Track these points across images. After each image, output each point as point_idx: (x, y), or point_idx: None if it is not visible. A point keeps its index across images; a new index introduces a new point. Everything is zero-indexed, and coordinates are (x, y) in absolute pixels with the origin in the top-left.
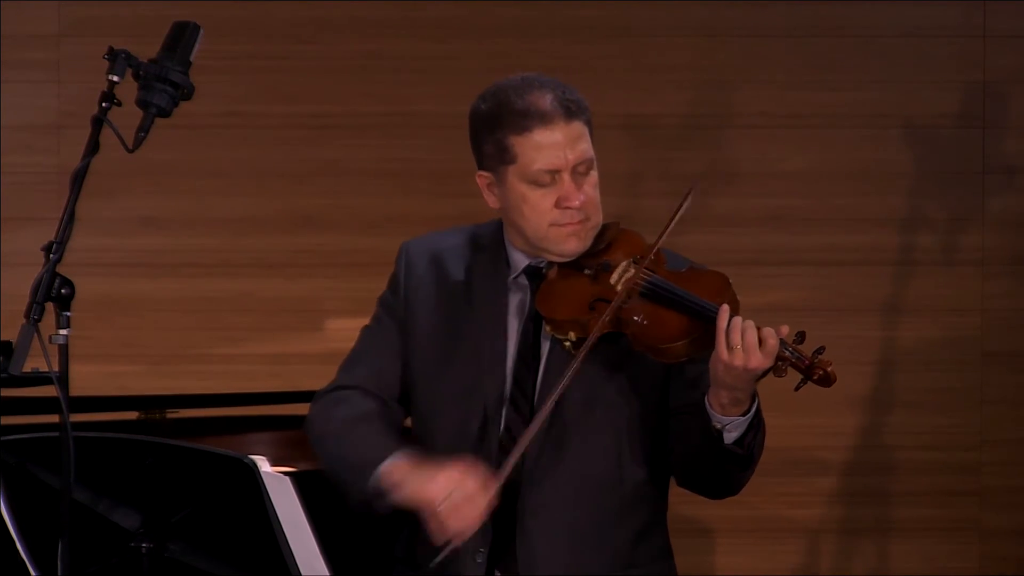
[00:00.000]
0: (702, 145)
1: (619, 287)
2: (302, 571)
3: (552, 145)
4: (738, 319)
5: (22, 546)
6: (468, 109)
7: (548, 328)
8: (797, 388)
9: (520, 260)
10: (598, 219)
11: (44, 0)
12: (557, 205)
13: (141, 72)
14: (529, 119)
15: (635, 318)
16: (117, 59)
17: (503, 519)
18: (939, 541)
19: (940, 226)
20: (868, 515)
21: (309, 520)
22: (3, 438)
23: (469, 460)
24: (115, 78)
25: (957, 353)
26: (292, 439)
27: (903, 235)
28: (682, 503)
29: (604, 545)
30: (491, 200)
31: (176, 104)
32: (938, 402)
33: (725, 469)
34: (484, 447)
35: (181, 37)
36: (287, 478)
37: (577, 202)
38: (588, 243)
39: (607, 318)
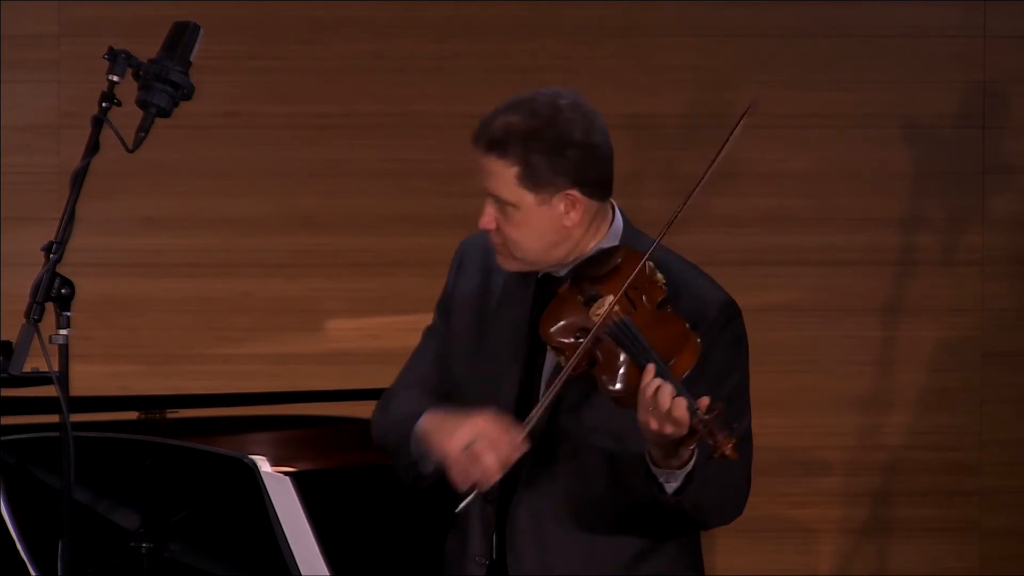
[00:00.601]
0: (702, 145)
1: (597, 321)
2: (302, 571)
3: (475, 167)
4: (656, 380)
5: (22, 546)
6: (468, 109)
7: (557, 362)
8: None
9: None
10: (526, 255)
11: (44, 0)
12: None
13: (141, 72)
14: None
15: (600, 358)
16: (117, 59)
17: (499, 530)
18: (939, 541)
19: (940, 226)
20: (868, 515)
21: (309, 520)
22: (3, 438)
23: (493, 411)
24: (115, 78)
25: (957, 353)
26: (292, 439)
27: (903, 235)
28: None
29: (597, 562)
30: None
31: (176, 104)
32: (938, 402)
33: (670, 521)
34: None
35: (181, 37)
36: (287, 478)
37: (481, 225)
38: (517, 267)
39: (579, 353)
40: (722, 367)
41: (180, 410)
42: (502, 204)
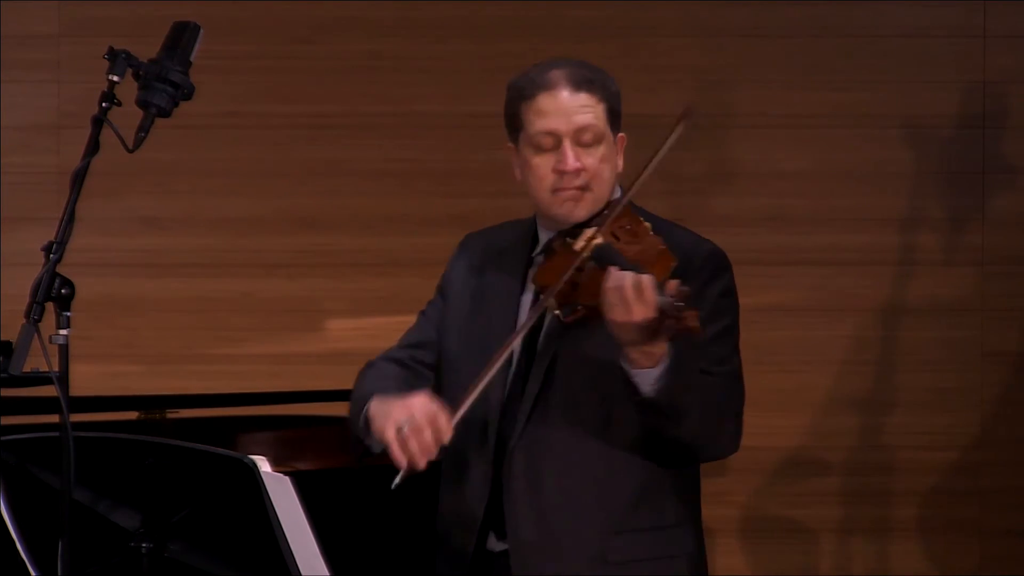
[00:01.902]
0: (702, 145)
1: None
2: (302, 571)
3: (553, 110)
4: (619, 274)
5: (22, 546)
6: (468, 109)
7: (542, 298)
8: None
9: (544, 237)
10: (601, 192)
11: (44, 0)
12: (555, 170)
13: (141, 72)
14: (536, 87)
15: (583, 282)
16: (117, 59)
17: (495, 487)
18: (939, 541)
19: (940, 226)
20: (868, 515)
21: (309, 520)
22: (3, 438)
23: (426, 393)
24: (115, 78)
25: (957, 353)
26: (292, 439)
27: (903, 235)
28: None
29: (592, 512)
30: (516, 172)
31: (176, 104)
32: (938, 402)
33: (655, 426)
34: (491, 409)
35: (181, 37)
36: (287, 478)
37: (571, 167)
38: (587, 211)
39: (563, 279)
40: (708, 312)
41: (180, 410)
42: (592, 139)
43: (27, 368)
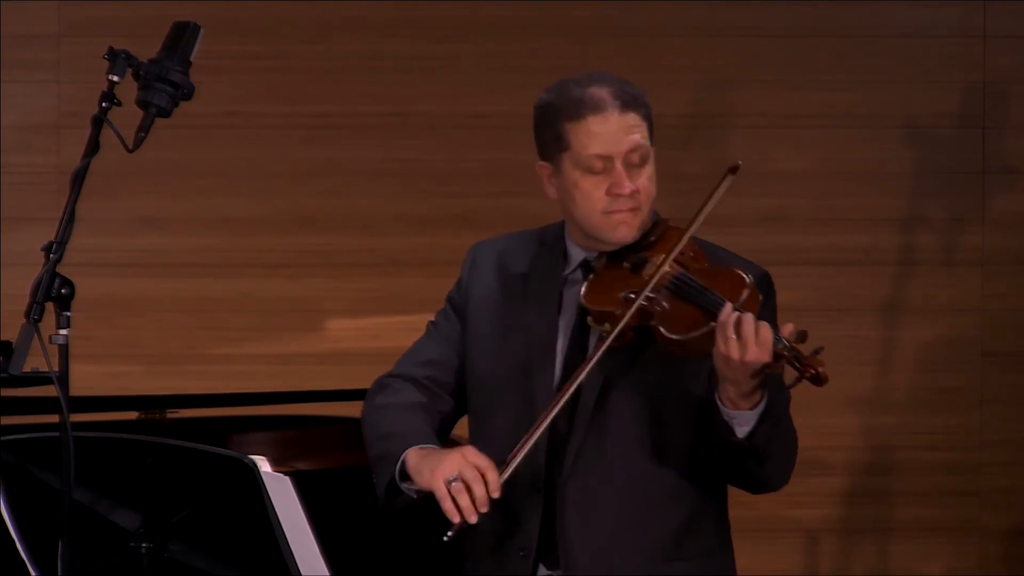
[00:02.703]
0: (702, 145)
1: (653, 278)
2: (302, 571)
3: (605, 132)
4: (735, 313)
5: (22, 546)
6: (468, 109)
7: (589, 319)
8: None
9: (578, 255)
10: (649, 210)
11: (44, 0)
12: (608, 192)
13: (141, 72)
14: (584, 107)
15: (659, 312)
16: (117, 59)
17: (546, 515)
18: (939, 541)
19: (940, 226)
20: (868, 515)
21: (309, 520)
22: (3, 438)
23: (471, 448)
24: (115, 78)
25: (957, 353)
26: (292, 439)
27: (903, 235)
28: None
29: (644, 538)
30: (550, 190)
31: (176, 104)
32: (938, 402)
33: (738, 463)
34: (540, 437)
35: (181, 37)
36: (287, 478)
37: (627, 190)
38: (637, 232)
39: (633, 309)
40: None
41: (180, 410)
42: (641, 159)
43: (27, 368)
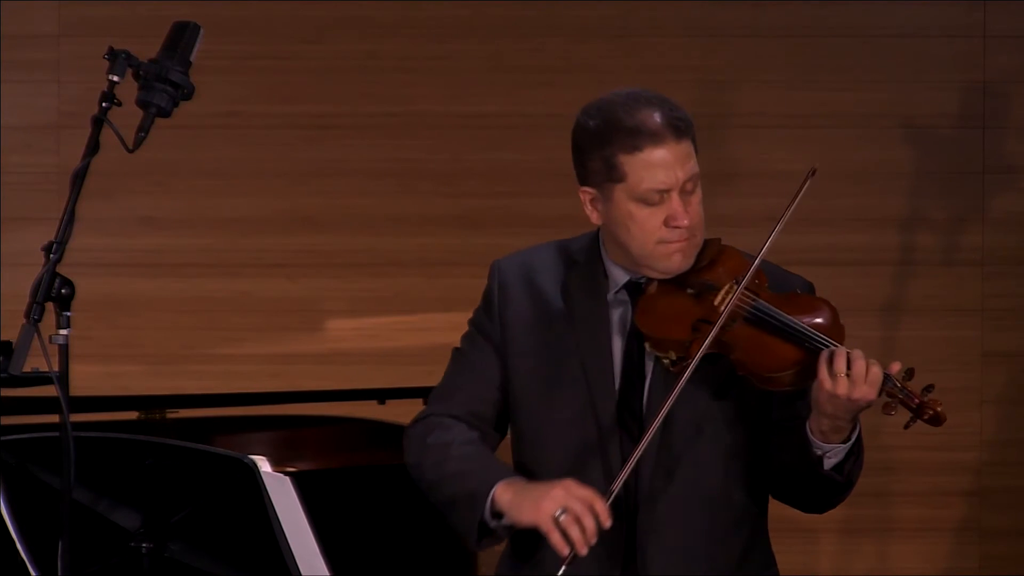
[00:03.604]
0: (702, 145)
1: (722, 309)
2: (302, 571)
3: (662, 165)
4: (843, 349)
5: (22, 546)
6: (468, 109)
7: (648, 346)
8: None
9: (619, 275)
10: (701, 236)
11: (44, 0)
12: (666, 224)
13: (141, 72)
14: (639, 138)
15: (740, 344)
16: (117, 59)
17: (622, 541)
18: (939, 541)
19: (940, 226)
20: (868, 515)
21: (309, 520)
22: (3, 438)
23: (574, 478)
24: (115, 78)
25: (957, 353)
26: (292, 439)
27: (903, 235)
28: None
29: (713, 563)
30: (593, 216)
31: (176, 104)
32: None
33: (823, 492)
34: (601, 469)
35: (181, 37)
36: (287, 478)
37: (687, 221)
38: (692, 260)
39: (710, 340)
40: None
41: (180, 410)
42: (694, 185)
43: (27, 368)
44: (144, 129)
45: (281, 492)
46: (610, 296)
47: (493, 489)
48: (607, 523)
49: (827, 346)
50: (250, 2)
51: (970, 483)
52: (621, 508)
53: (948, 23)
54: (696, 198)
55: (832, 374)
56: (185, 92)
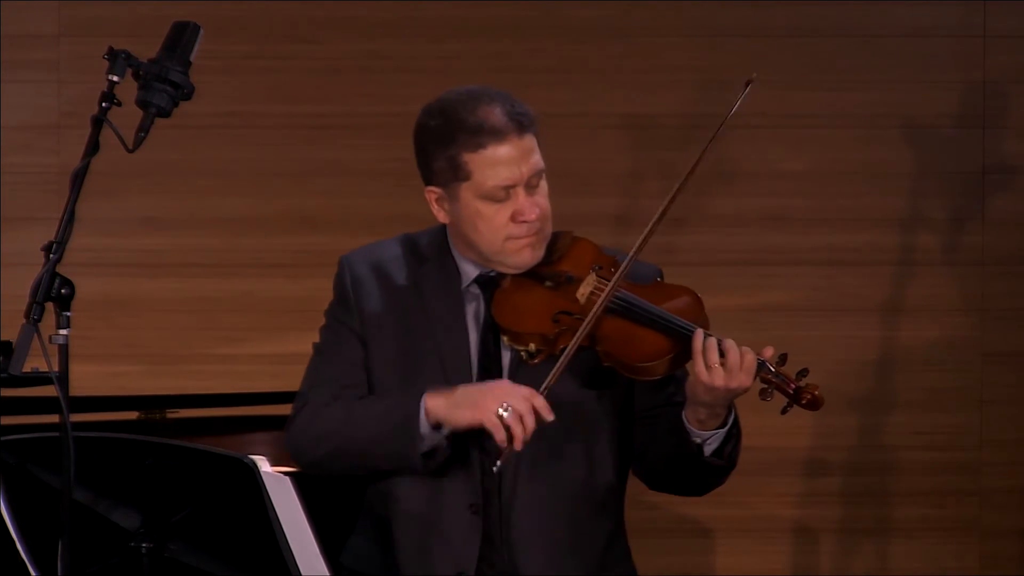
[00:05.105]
0: (701, 145)
1: (584, 301)
2: (302, 571)
3: (506, 161)
4: (714, 339)
5: (22, 546)
6: None
7: (506, 339)
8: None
9: (470, 270)
10: (550, 228)
11: (44, 0)
12: (513, 219)
13: (141, 72)
14: (482, 135)
15: (607, 335)
16: (117, 59)
17: (487, 532)
18: (939, 541)
19: (940, 226)
20: (868, 515)
21: (309, 520)
22: (3, 438)
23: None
24: (115, 78)
25: (957, 353)
26: None
27: (903, 235)
28: (682, 503)
29: (578, 552)
30: (440, 215)
31: (176, 104)
32: (938, 402)
33: (705, 479)
34: (461, 458)
35: (181, 37)
36: (287, 478)
37: (533, 215)
38: (542, 253)
39: (583, 334)
40: None
41: (180, 410)
42: (539, 178)
43: (27, 368)
44: (144, 129)
45: (281, 492)
46: (463, 289)
47: (422, 401)
48: (549, 417)
49: (687, 329)
50: (250, 2)
51: (970, 483)
52: (488, 499)
53: (948, 23)
54: (542, 191)
55: (707, 365)
56: (185, 92)
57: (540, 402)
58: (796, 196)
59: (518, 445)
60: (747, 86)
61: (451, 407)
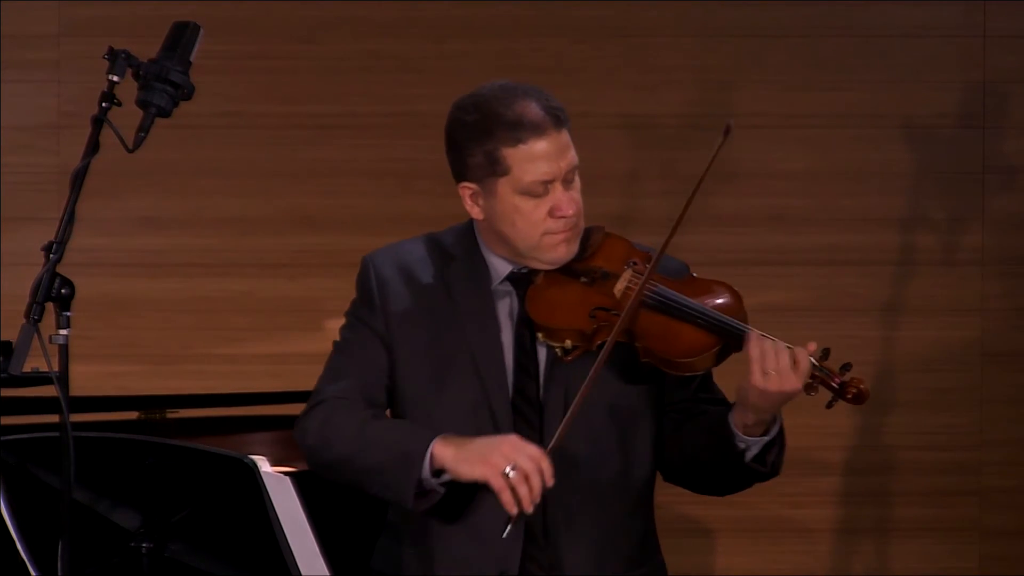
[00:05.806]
0: (702, 145)
1: (620, 296)
2: (302, 571)
3: (545, 156)
4: (770, 343)
5: (22, 546)
6: None
7: (541, 335)
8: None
9: (502, 266)
10: (583, 224)
11: (44, 0)
12: (550, 215)
13: (141, 72)
14: (521, 130)
15: (646, 331)
16: (117, 59)
17: (527, 537)
18: (939, 541)
19: (940, 226)
20: (868, 515)
21: (309, 520)
22: (3, 438)
23: (515, 436)
24: (115, 78)
25: (957, 353)
26: (292, 439)
27: (903, 235)
28: (682, 503)
29: (618, 549)
30: (475, 211)
31: (176, 104)
32: (938, 402)
33: (740, 483)
34: None
35: (181, 37)
36: (287, 478)
37: (571, 210)
38: (576, 248)
39: (620, 329)
40: None
41: (180, 410)
42: (574, 174)
43: (27, 368)
44: (144, 129)
45: (281, 492)
46: (494, 287)
47: (431, 446)
48: (551, 482)
49: (737, 328)
50: (250, 2)
51: (970, 483)
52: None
53: (948, 23)
54: (577, 186)
55: (764, 372)
56: (185, 92)
57: (547, 465)
58: (796, 196)
59: (527, 507)
60: (726, 133)
61: (458, 459)
